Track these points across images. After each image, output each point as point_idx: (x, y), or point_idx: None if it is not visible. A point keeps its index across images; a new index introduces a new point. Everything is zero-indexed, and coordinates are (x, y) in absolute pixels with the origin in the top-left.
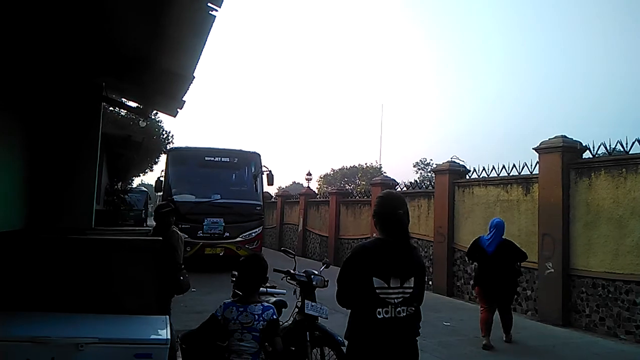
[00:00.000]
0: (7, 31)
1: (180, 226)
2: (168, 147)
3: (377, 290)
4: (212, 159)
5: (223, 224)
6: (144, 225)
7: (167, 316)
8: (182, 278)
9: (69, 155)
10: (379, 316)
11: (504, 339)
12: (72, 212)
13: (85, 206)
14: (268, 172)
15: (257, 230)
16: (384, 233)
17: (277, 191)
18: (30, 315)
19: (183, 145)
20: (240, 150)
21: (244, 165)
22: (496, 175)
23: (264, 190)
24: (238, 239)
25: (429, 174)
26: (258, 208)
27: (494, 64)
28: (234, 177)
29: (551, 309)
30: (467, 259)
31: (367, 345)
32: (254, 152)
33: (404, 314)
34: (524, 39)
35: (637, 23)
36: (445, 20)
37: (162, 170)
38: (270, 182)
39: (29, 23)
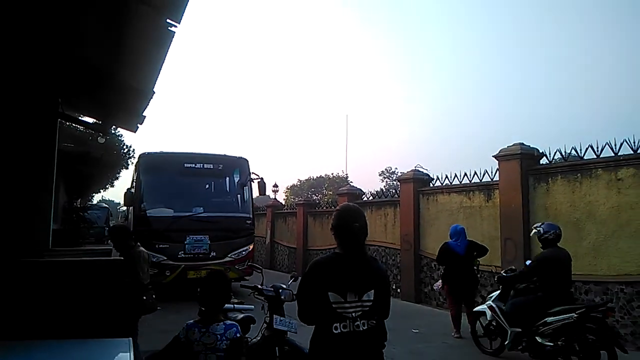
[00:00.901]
0: None
1: (157, 246)
2: (138, 155)
3: (333, 305)
4: (193, 165)
5: (208, 242)
6: (106, 243)
7: (130, 339)
8: (145, 298)
9: (22, 174)
10: (335, 331)
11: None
12: (27, 233)
13: (41, 226)
14: (259, 180)
15: (247, 247)
16: (340, 247)
17: None
18: None
19: (156, 150)
20: (225, 156)
21: (229, 173)
22: (459, 182)
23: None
24: (227, 258)
25: (395, 183)
26: (248, 222)
27: (454, 75)
28: (218, 186)
29: None
30: (436, 264)
31: None
32: (241, 158)
33: (364, 328)
34: (483, 48)
35: (591, 30)
36: (406, 32)
37: (132, 181)
38: (262, 192)
39: None
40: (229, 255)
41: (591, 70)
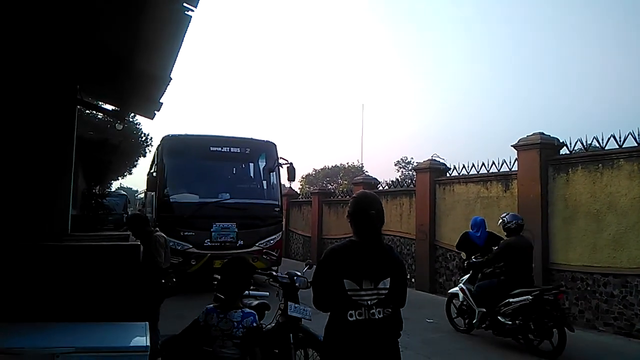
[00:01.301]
0: None
1: (182, 234)
2: (161, 138)
3: (348, 292)
4: (219, 149)
5: (236, 230)
6: (124, 229)
7: (147, 323)
8: (165, 281)
9: (41, 160)
10: (350, 318)
11: None
12: (47, 218)
13: (60, 211)
14: (289, 165)
15: (276, 236)
16: (356, 234)
17: None
18: (2, 326)
19: (180, 132)
20: (252, 139)
21: (257, 157)
22: (476, 172)
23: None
24: (254, 247)
25: (410, 173)
26: (277, 209)
27: (473, 64)
28: (245, 171)
29: None
30: (451, 254)
31: (340, 348)
32: (269, 141)
33: (380, 316)
34: (503, 36)
35: (611, 24)
36: (421, 21)
37: (154, 165)
38: (292, 177)
39: None
40: (257, 244)
41: (615, 58)
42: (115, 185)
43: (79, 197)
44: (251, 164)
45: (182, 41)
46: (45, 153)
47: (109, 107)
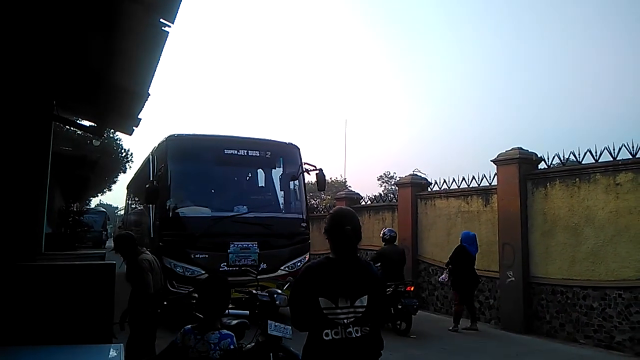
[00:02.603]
0: None
1: (193, 256)
2: (165, 138)
3: (324, 311)
4: (235, 152)
5: (257, 251)
6: (103, 247)
7: (122, 344)
8: (155, 309)
9: (13, 177)
10: (326, 337)
11: (471, 326)
12: (18, 237)
13: (33, 230)
14: (317, 171)
15: (303, 257)
16: (333, 251)
17: None
18: None
19: (187, 132)
20: (274, 141)
21: (278, 162)
22: (457, 187)
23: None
24: (279, 271)
25: (393, 187)
26: (303, 225)
27: (453, 80)
28: (265, 179)
29: (513, 317)
30: (439, 265)
31: None
32: (291, 144)
33: (357, 335)
34: (483, 53)
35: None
36: (407, 39)
37: (155, 171)
38: (322, 186)
39: None
40: (282, 268)
41: (591, 75)
42: (94, 202)
43: (55, 214)
44: (272, 170)
45: (160, 57)
46: (18, 170)
47: (87, 123)
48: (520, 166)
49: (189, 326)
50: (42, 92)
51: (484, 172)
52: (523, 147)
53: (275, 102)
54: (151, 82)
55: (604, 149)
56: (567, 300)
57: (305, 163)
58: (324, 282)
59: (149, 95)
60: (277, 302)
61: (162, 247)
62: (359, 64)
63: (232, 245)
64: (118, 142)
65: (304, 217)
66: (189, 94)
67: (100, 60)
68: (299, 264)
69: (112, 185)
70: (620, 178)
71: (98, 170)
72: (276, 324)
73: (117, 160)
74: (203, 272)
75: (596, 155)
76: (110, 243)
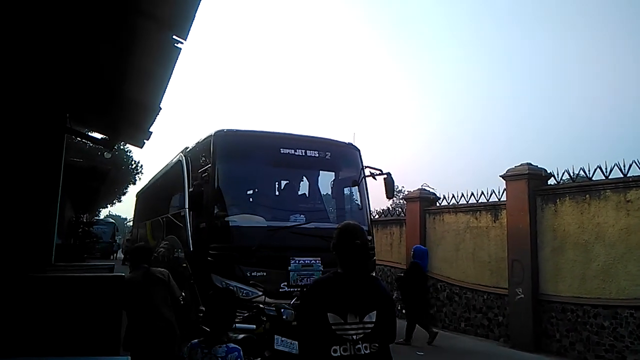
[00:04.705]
0: None
1: (248, 274)
2: (212, 133)
3: (332, 327)
4: (292, 152)
5: (321, 268)
6: (112, 257)
7: (129, 357)
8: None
9: (26, 188)
10: (334, 354)
11: (430, 340)
12: (29, 248)
13: (44, 241)
14: (385, 176)
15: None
16: (341, 266)
17: None
18: None
19: (234, 127)
20: (334, 140)
21: (339, 165)
22: (465, 202)
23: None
24: None
25: (401, 202)
26: (369, 238)
27: (465, 94)
28: (325, 183)
29: (522, 335)
30: (447, 281)
31: None
32: (351, 144)
33: (366, 352)
34: (491, 67)
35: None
36: (416, 53)
37: (199, 172)
38: (390, 193)
39: None
40: None
41: (601, 90)
42: (103, 213)
43: (65, 225)
44: (332, 174)
45: (172, 72)
46: (30, 181)
47: (98, 135)
48: (530, 182)
49: (196, 340)
50: (55, 105)
51: (493, 187)
52: (532, 163)
53: (284, 116)
54: (163, 96)
55: (614, 165)
56: (577, 319)
57: (367, 166)
58: (333, 297)
59: (161, 109)
60: (284, 317)
61: (211, 263)
62: (368, 78)
63: (292, 262)
64: (128, 153)
65: (369, 229)
66: (197, 106)
67: (114, 75)
68: None
69: (122, 197)
70: (631, 195)
71: (108, 182)
72: (283, 338)
73: (127, 171)
74: (260, 293)
75: (606, 172)
76: (120, 255)
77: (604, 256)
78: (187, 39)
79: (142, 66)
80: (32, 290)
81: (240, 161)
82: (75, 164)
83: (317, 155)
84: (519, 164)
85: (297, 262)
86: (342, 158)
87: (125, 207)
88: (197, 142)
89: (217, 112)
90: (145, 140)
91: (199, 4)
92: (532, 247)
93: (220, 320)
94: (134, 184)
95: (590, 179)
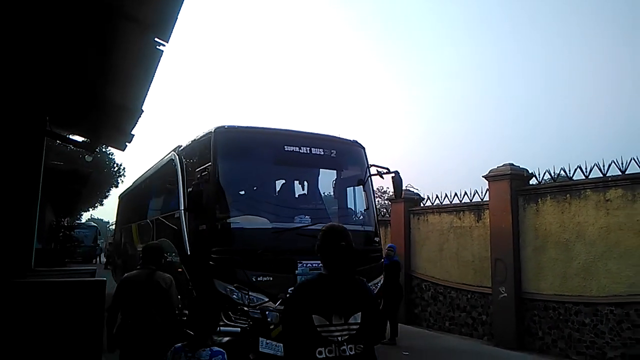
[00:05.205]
0: None
1: (254, 279)
2: (212, 130)
3: (317, 328)
4: (296, 149)
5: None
6: (95, 262)
7: None
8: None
9: (4, 192)
10: (319, 356)
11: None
12: (8, 253)
13: (23, 246)
14: (393, 174)
15: (377, 281)
16: (326, 267)
17: None
18: None
19: (236, 124)
20: (338, 138)
21: (345, 163)
22: (449, 202)
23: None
24: None
25: (386, 202)
26: (377, 239)
27: (447, 94)
28: (330, 182)
29: (506, 333)
30: (432, 281)
31: None
32: (356, 142)
33: (351, 353)
34: (477, 67)
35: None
36: (405, 55)
37: (202, 170)
38: (398, 193)
39: None
40: None
41: (584, 91)
42: (85, 216)
43: (45, 229)
44: (338, 173)
45: (154, 74)
46: (9, 185)
47: (80, 138)
48: (512, 182)
49: (179, 344)
50: (35, 108)
51: (476, 187)
52: (514, 163)
53: (272, 118)
54: (145, 98)
55: (594, 165)
56: (559, 316)
57: (373, 165)
58: (318, 299)
59: (143, 111)
60: (269, 320)
61: (213, 268)
62: (352, 77)
63: (300, 265)
64: (110, 156)
65: (376, 230)
66: (183, 108)
67: (95, 77)
68: (374, 289)
69: (104, 200)
70: (610, 194)
71: (90, 185)
72: (267, 341)
73: (110, 174)
74: (267, 299)
75: (586, 172)
76: (102, 259)
77: (585, 254)
78: (169, 41)
79: (124, 68)
80: (10, 296)
81: (242, 159)
82: (56, 167)
83: (322, 153)
84: (501, 165)
85: (304, 265)
86: (348, 156)
87: (107, 211)
88: (192, 140)
89: (202, 115)
90: (127, 143)
91: (181, 6)
92: (515, 247)
93: (203, 323)
94: (117, 186)
95: (570, 178)
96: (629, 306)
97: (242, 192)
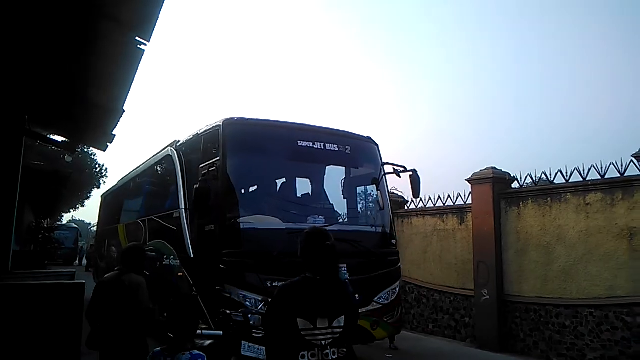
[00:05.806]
0: None
1: (267, 284)
2: (220, 123)
3: (302, 332)
4: (310, 144)
5: (347, 276)
6: (76, 264)
7: None
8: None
9: None
10: None
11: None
12: None
13: (1, 248)
14: (411, 173)
15: (396, 286)
16: (310, 270)
17: None
18: None
19: (245, 116)
20: (352, 134)
21: (360, 160)
22: (433, 205)
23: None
24: (372, 305)
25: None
26: (394, 242)
27: (431, 98)
28: (344, 181)
29: (488, 335)
30: (415, 283)
31: None
32: (370, 138)
33: (334, 357)
34: (460, 70)
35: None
36: (391, 60)
37: (208, 166)
38: (417, 192)
39: None
40: (375, 300)
41: (584, 91)
42: (66, 218)
43: (24, 231)
44: (353, 171)
45: (135, 74)
46: None
47: (60, 138)
48: (494, 185)
49: (158, 348)
50: (13, 107)
51: (459, 191)
52: (497, 167)
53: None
54: (126, 98)
55: (574, 170)
56: (540, 319)
57: (387, 163)
58: (302, 302)
59: (124, 111)
60: (251, 322)
61: (224, 272)
62: (334, 78)
63: None
64: (92, 157)
65: (393, 232)
66: (168, 108)
67: (75, 77)
68: (392, 294)
69: (86, 201)
70: (590, 198)
71: (71, 186)
72: (250, 344)
73: (91, 175)
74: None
75: (567, 176)
76: (84, 261)
77: (565, 257)
78: (150, 41)
79: (105, 68)
80: None
81: (253, 154)
82: (36, 167)
83: (336, 149)
84: (484, 168)
85: None
86: (363, 153)
87: (89, 212)
88: (194, 134)
89: (190, 115)
90: (108, 143)
91: (162, 5)
92: (497, 249)
93: (183, 326)
94: (99, 187)
95: (551, 182)
96: (607, 308)
97: (253, 190)
